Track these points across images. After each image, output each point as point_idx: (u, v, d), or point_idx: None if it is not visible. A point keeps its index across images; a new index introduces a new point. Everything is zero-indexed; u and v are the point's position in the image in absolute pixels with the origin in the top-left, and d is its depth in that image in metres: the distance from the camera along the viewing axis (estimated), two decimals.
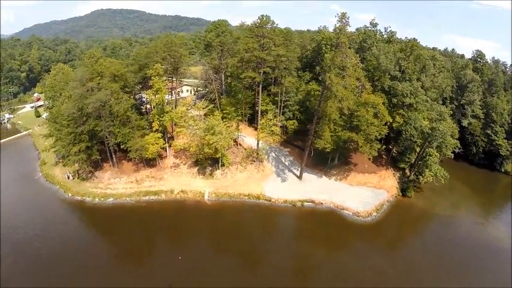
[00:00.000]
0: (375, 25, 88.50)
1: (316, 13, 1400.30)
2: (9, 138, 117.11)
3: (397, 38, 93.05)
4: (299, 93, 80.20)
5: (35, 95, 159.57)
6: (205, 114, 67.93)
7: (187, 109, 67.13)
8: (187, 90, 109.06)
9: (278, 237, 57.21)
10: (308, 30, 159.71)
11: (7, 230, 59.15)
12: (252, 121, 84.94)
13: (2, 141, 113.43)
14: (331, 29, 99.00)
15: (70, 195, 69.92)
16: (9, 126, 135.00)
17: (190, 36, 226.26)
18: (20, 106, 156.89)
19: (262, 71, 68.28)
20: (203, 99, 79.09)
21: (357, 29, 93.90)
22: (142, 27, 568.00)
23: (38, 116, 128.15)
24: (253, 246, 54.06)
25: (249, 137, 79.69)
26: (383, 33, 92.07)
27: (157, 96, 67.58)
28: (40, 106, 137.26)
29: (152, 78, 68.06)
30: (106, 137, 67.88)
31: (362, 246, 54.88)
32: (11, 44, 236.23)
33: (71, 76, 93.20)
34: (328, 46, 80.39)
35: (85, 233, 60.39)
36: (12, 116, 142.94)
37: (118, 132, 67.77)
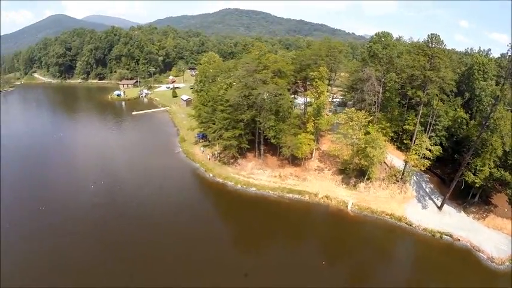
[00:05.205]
0: None
1: (442, 27, 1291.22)
2: (149, 110, 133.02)
3: None
4: (447, 118, 73.82)
5: (170, 77, 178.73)
6: (363, 125, 66.18)
7: (347, 116, 66.08)
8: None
9: (407, 264, 54.47)
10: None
11: (164, 191, 67.00)
12: (395, 139, 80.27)
13: (142, 112, 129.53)
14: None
15: (211, 175, 74.32)
16: (146, 100, 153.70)
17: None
18: (156, 85, 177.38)
19: (428, 92, 64.22)
20: (355, 108, 76.83)
21: (501, 55, 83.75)
22: (267, 28, 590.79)
23: (175, 96, 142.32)
24: (376, 268, 51.52)
25: (392, 156, 75.30)
26: None
27: (319, 99, 67.83)
28: (176, 88, 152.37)
29: (316, 80, 68.74)
30: (260, 128, 70.51)
31: None
32: (149, 31, 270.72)
33: (222, 66, 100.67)
34: (481, 72, 73.08)
35: (224, 213, 64.24)
36: (149, 92, 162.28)
37: (273, 126, 69.84)
